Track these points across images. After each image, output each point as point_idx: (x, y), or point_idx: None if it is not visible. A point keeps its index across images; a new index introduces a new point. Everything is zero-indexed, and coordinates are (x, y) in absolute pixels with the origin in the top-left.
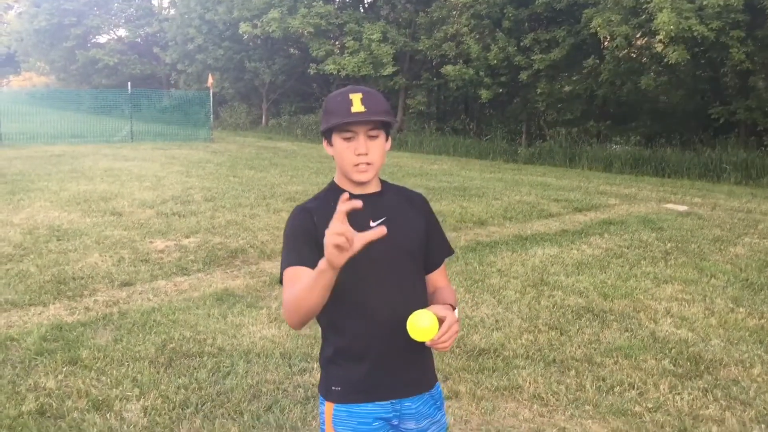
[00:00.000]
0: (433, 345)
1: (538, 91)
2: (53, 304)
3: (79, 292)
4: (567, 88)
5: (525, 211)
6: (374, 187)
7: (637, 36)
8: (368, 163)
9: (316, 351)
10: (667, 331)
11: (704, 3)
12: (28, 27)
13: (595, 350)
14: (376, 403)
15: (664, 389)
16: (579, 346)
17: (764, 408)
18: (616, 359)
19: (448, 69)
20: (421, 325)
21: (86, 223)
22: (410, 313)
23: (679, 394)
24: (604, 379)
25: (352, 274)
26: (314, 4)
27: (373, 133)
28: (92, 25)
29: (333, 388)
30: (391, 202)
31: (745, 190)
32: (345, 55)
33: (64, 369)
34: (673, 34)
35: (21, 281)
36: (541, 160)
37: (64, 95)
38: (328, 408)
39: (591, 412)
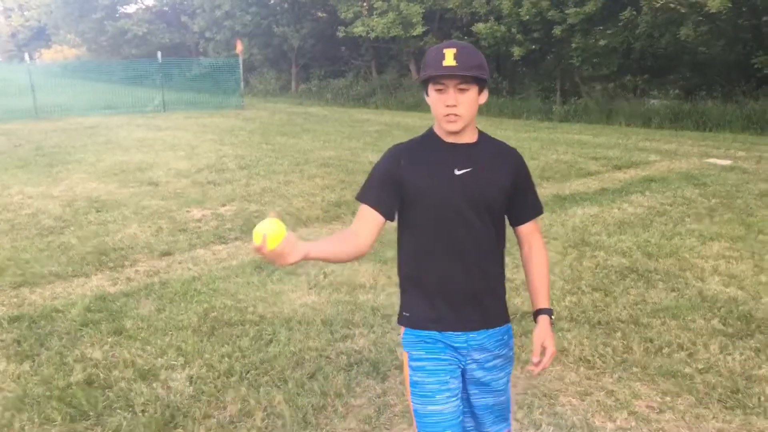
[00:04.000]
0: (532, 369)
1: (573, 46)
2: (95, 275)
3: (120, 262)
4: (602, 42)
5: (562, 170)
6: (468, 138)
7: None
8: (456, 115)
9: (357, 317)
10: (715, 289)
11: None
12: None
13: (641, 311)
14: (443, 332)
15: (714, 350)
16: (624, 307)
17: None
18: (663, 320)
19: (479, 27)
20: (266, 234)
21: (124, 193)
22: (479, 258)
23: (730, 354)
24: (651, 341)
25: (431, 218)
26: None
27: (463, 86)
28: None
29: (404, 313)
30: (482, 155)
31: None
32: (373, 16)
33: (110, 339)
34: None
35: (63, 253)
36: (576, 118)
37: (95, 66)
38: (402, 332)
39: (639, 374)
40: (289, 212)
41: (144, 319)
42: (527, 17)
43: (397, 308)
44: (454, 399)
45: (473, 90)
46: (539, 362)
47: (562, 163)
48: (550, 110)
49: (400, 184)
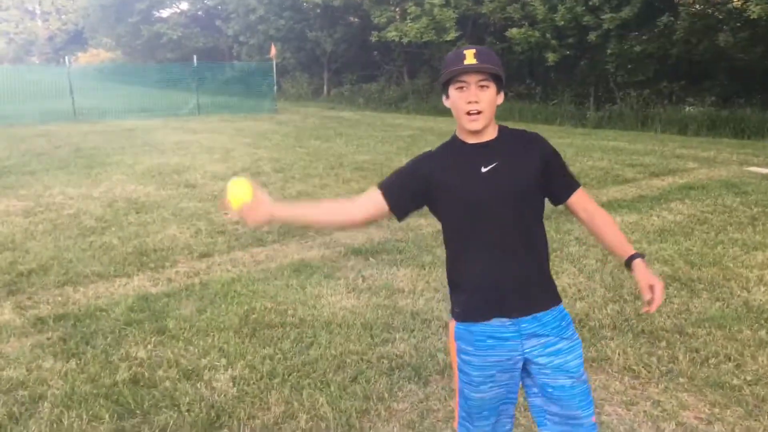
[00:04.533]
0: (647, 311)
1: (608, 51)
2: (137, 275)
3: (161, 263)
4: (638, 48)
5: (599, 177)
6: (490, 135)
7: None
8: (478, 112)
9: (397, 321)
10: (761, 300)
11: None
12: (94, 3)
13: (685, 320)
14: (492, 323)
15: (762, 361)
16: (668, 316)
17: None
18: (708, 329)
19: (513, 32)
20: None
21: (162, 195)
22: (519, 248)
23: None
24: (697, 351)
25: (465, 217)
26: None
27: (484, 83)
28: (156, 0)
29: (455, 309)
30: (505, 148)
31: None
32: (407, 21)
33: (153, 339)
34: None
35: (105, 253)
36: (611, 124)
37: (131, 70)
38: (452, 324)
39: (686, 385)
40: None
41: (186, 319)
42: (562, 23)
43: (436, 313)
44: (497, 388)
45: (493, 88)
46: (652, 299)
47: (598, 169)
48: (584, 116)
49: (427, 189)
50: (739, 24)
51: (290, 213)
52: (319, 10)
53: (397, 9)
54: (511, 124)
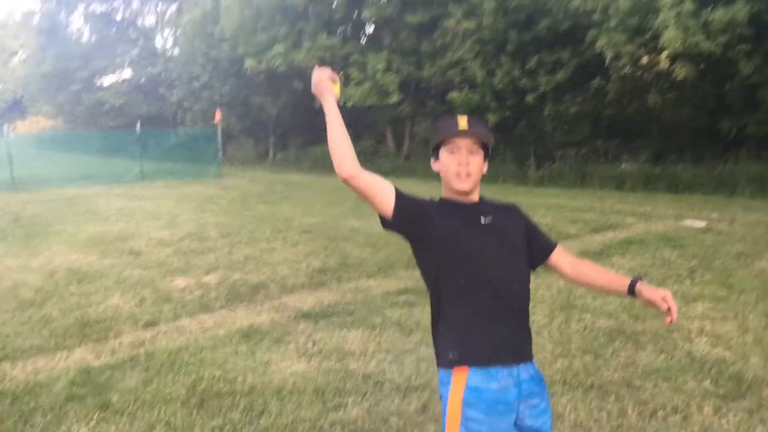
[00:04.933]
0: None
1: (545, 113)
2: (79, 347)
3: (104, 334)
4: (573, 109)
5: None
6: (475, 198)
7: (642, 54)
8: (468, 174)
9: (349, 385)
10: (703, 350)
11: (710, 19)
12: (34, 71)
13: (632, 373)
14: (498, 369)
15: (708, 412)
16: (616, 370)
17: None
18: (655, 382)
19: (454, 95)
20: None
21: (105, 264)
22: (517, 298)
23: (724, 416)
24: (645, 403)
25: (471, 264)
26: (318, 37)
27: (474, 149)
28: (97, 68)
29: (449, 355)
30: (491, 208)
31: (761, 203)
32: (350, 85)
33: (96, 415)
34: (680, 51)
35: (45, 326)
36: (552, 182)
37: (72, 138)
38: (462, 374)
39: None
40: (273, 280)
41: (131, 392)
42: (501, 86)
43: (388, 375)
44: None
45: (481, 155)
46: (669, 309)
47: (543, 225)
48: (526, 175)
49: (428, 227)
50: (666, 85)
51: (337, 114)
52: (263, 76)
53: (341, 74)
54: None
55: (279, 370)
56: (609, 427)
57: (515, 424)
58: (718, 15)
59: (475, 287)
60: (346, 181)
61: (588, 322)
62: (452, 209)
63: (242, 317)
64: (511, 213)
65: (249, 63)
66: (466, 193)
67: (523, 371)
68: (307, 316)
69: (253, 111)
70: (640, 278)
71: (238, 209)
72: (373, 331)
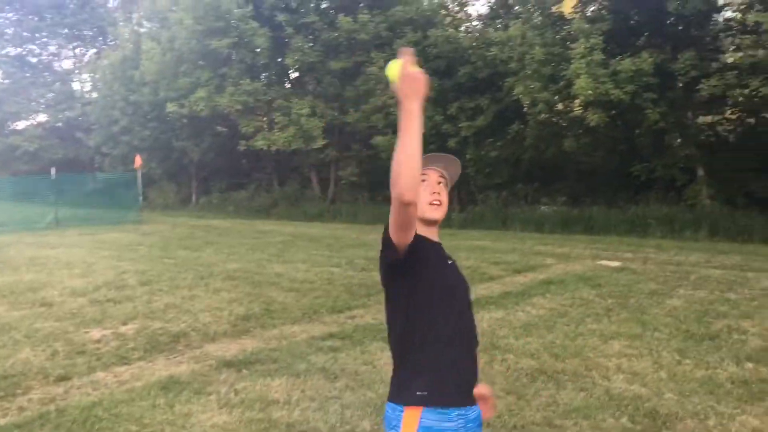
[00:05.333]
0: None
1: (467, 157)
2: None
3: (12, 391)
4: (494, 153)
5: (467, 275)
6: (438, 238)
7: (557, 101)
8: (440, 202)
9: None
10: (620, 387)
11: (618, 68)
12: None
13: (553, 413)
14: (459, 410)
15: None
16: (538, 410)
17: None
18: (575, 420)
19: (378, 140)
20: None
21: (14, 316)
22: (473, 339)
23: None
24: None
25: (445, 301)
26: (241, 81)
27: (442, 181)
28: (11, 112)
29: (418, 393)
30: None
31: (671, 243)
32: (275, 130)
33: None
34: (591, 99)
35: None
36: (474, 225)
37: None
38: (414, 415)
39: None
40: (195, 328)
41: None
42: (423, 130)
43: (312, 423)
44: None
45: (446, 188)
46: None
47: (466, 268)
48: (450, 217)
49: (426, 260)
50: (580, 131)
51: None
52: (185, 120)
53: (265, 118)
54: (381, 228)
55: (199, 422)
56: None
57: None
58: (625, 65)
59: (451, 327)
60: (405, 204)
61: (511, 363)
62: (428, 247)
63: (161, 368)
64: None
65: (171, 107)
66: (437, 223)
67: (471, 411)
68: (229, 364)
69: (175, 155)
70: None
71: (158, 255)
72: (297, 379)
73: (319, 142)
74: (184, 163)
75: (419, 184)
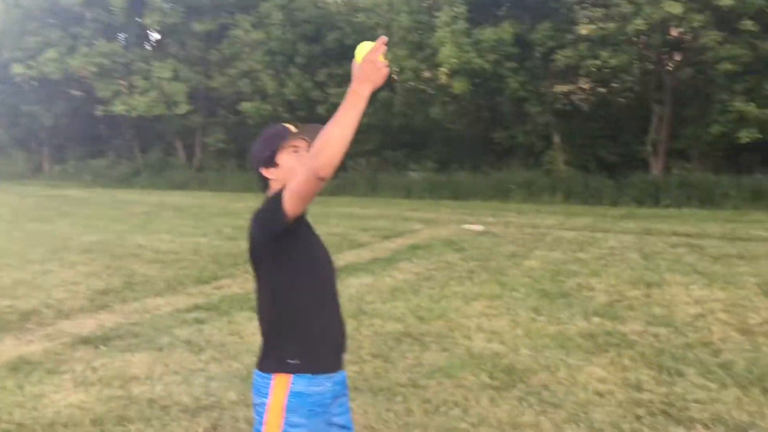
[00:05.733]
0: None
1: None
2: None
3: None
4: (363, 120)
5: (336, 242)
6: None
7: (424, 69)
8: None
9: (132, 412)
10: (481, 346)
11: (480, 38)
12: None
13: (418, 373)
14: (336, 375)
15: (484, 403)
16: (403, 372)
17: (573, 408)
18: (438, 380)
19: (246, 106)
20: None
21: None
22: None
23: (498, 406)
24: (429, 401)
25: (322, 269)
26: (95, 42)
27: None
28: None
29: (290, 361)
30: None
31: (531, 206)
32: (135, 94)
33: None
34: (456, 67)
35: None
36: (345, 191)
37: None
38: (283, 381)
39: None
40: (48, 305)
41: None
42: (292, 97)
43: (176, 397)
44: None
45: None
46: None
47: (335, 235)
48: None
49: (305, 227)
50: (447, 98)
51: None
52: (34, 83)
53: (124, 82)
54: (250, 195)
55: (52, 403)
56: (396, 426)
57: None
58: (487, 34)
59: (322, 295)
60: (321, 179)
61: (378, 327)
62: (304, 217)
63: (9, 348)
64: None
65: (17, 69)
66: None
67: (339, 374)
68: (86, 341)
69: (24, 120)
70: None
71: (5, 229)
72: (160, 353)
73: (183, 108)
74: (34, 129)
75: (336, 166)
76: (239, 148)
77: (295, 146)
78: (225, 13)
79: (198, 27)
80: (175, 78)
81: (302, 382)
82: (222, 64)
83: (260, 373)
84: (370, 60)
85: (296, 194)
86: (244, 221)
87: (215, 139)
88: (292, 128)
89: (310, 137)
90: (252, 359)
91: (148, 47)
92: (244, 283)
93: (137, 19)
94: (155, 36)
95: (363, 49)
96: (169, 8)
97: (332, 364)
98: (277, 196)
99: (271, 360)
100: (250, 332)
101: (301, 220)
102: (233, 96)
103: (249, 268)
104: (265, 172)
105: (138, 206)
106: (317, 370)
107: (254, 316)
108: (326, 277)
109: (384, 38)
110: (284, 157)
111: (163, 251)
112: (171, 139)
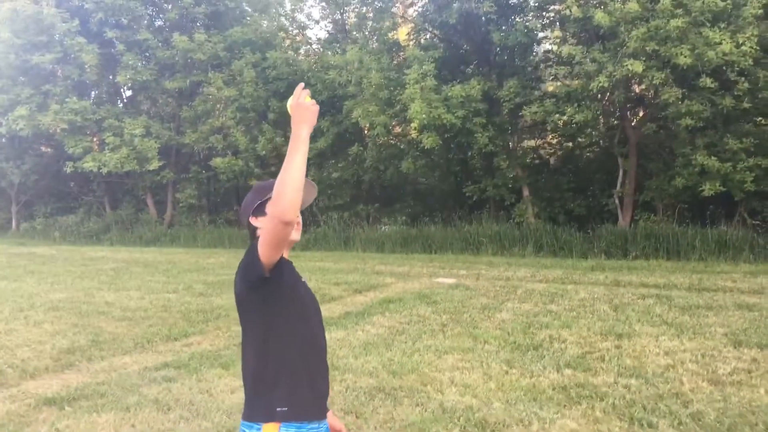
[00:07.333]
0: None
1: (309, 178)
2: None
3: None
4: (335, 175)
5: None
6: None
7: (395, 124)
8: (300, 224)
9: None
10: (453, 400)
11: (449, 94)
12: None
13: (390, 428)
14: (313, 423)
15: None
16: (375, 427)
17: None
18: None
19: (217, 161)
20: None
21: None
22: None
23: None
24: None
25: (309, 318)
26: (67, 99)
27: None
28: None
29: (279, 409)
30: None
31: (502, 259)
32: (105, 151)
33: None
34: (425, 122)
35: None
36: (317, 246)
37: None
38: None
39: None
40: (11, 365)
41: None
42: (264, 152)
43: None
44: None
45: None
46: None
47: None
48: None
49: (288, 276)
50: (417, 153)
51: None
52: (3, 140)
53: (95, 139)
54: (222, 251)
55: None
56: None
57: None
58: (456, 91)
59: (308, 344)
60: (285, 223)
61: (350, 382)
62: (286, 264)
63: None
64: None
65: None
66: (293, 243)
67: (323, 424)
68: (50, 402)
69: None
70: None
71: None
72: (126, 413)
73: (154, 164)
74: (2, 186)
75: (299, 206)
76: (211, 204)
77: None
78: (197, 70)
79: (170, 85)
80: (147, 134)
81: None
82: (194, 121)
83: (247, 423)
84: (297, 104)
85: (266, 242)
86: (216, 277)
87: (187, 194)
88: None
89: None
90: (221, 417)
91: (120, 104)
92: (215, 340)
93: (110, 76)
94: (127, 93)
95: (291, 99)
96: (141, 66)
97: (319, 412)
98: (254, 246)
99: (258, 409)
100: (221, 389)
101: (281, 269)
102: (205, 152)
103: (220, 324)
104: (254, 221)
105: (107, 263)
106: (305, 417)
107: (225, 374)
108: (314, 323)
109: (301, 84)
110: None
111: (131, 308)
112: (142, 195)
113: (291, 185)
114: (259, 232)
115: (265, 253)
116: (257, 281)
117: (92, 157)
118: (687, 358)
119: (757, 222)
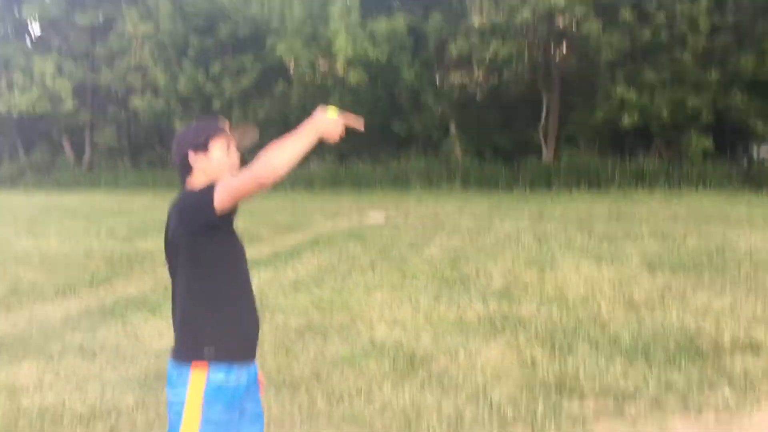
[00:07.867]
0: None
1: (233, 118)
2: None
3: None
4: (261, 114)
5: None
6: None
7: (321, 61)
8: (237, 169)
9: (21, 424)
10: (383, 335)
11: (374, 29)
12: None
13: (321, 365)
14: (242, 365)
15: (387, 390)
16: (306, 364)
17: (472, 389)
18: (341, 370)
19: (137, 101)
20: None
21: None
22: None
23: (400, 392)
24: (333, 391)
25: (242, 258)
26: None
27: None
28: None
29: (206, 348)
30: None
31: (430, 195)
32: (14, 92)
33: None
34: (351, 58)
35: None
36: None
37: None
38: (201, 375)
39: (325, 424)
40: None
41: None
42: (185, 92)
43: (68, 405)
44: None
45: None
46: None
47: (236, 230)
48: None
49: (228, 219)
50: (344, 90)
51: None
52: None
53: (2, 80)
54: (146, 192)
55: None
56: (300, 417)
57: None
58: (381, 25)
59: (238, 286)
60: (261, 186)
61: (280, 321)
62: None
63: None
64: None
65: None
66: None
67: (252, 366)
68: None
69: None
70: None
71: None
72: (50, 361)
73: (69, 104)
74: None
75: (280, 177)
76: (132, 146)
77: (227, 140)
78: (110, 5)
79: (81, 20)
80: (59, 73)
81: (219, 376)
82: (109, 59)
83: (175, 362)
84: (338, 122)
85: (233, 192)
86: (140, 221)
87: (106, 136)
88: (226, 123)
89: (240, 138)
90: (149, 361)
91: (27, 42)
92: (140, 284)
93: (14, 11)
94: (36, 30)
95: (335, 112)
96: (49, 0)
97: (246, 354)
98: (207, 191)
99: (186, 349)
100: (148, 333)
101: (230, 215)
102: (123, 92)
103: (146, 268)
104: (193, 157)
105: (23, 208)
106: (232, 358)
107: (151, 317)
108: (242, 269)
109: (361, 120)
110: (216, 147)
111: (51, 255)
112: (58, 137)
113: (288, 160)
114: (195, 173)
115: (224, 200)
116: (205, 226)
117: (1, 100)
118: (605, 285)
119: (672, 153)
